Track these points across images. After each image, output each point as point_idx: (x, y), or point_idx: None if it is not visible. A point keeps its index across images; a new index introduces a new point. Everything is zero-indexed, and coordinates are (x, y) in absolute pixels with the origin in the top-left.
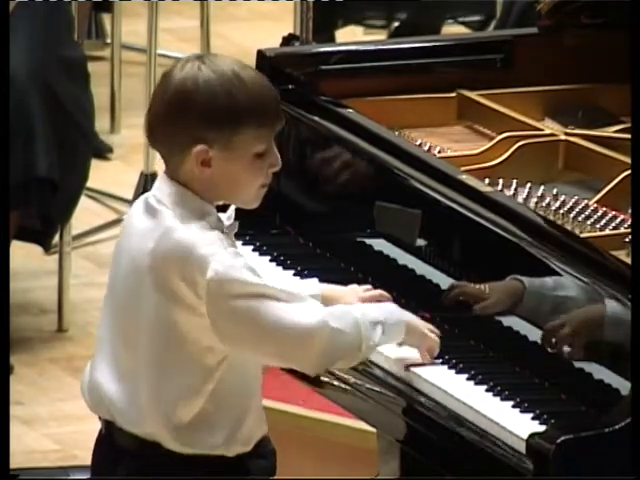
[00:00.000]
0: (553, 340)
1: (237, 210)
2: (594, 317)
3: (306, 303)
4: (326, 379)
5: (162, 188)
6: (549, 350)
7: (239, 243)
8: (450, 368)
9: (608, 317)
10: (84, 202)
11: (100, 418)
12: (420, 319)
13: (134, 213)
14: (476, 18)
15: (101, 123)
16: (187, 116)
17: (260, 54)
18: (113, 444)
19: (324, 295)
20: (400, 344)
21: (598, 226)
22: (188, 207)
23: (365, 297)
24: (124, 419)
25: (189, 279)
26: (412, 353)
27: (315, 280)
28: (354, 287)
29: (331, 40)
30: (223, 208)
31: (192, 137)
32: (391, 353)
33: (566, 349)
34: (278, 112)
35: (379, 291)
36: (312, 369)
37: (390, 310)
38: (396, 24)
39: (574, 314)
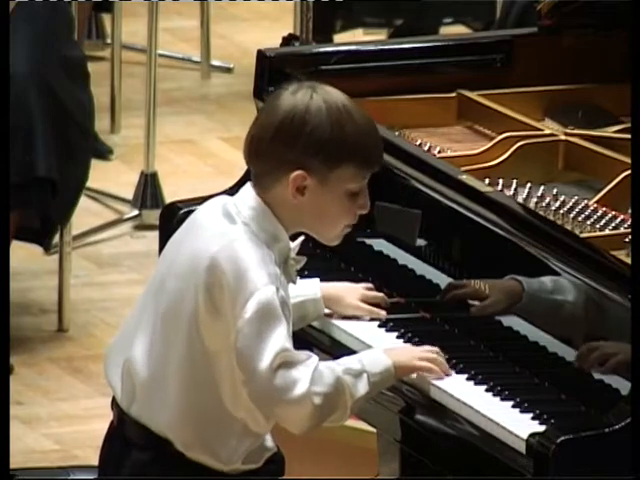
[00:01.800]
0: (586, 360)
1: None
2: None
3: (303, 367)
4: None
5: (245, 200)
6: (578, 365)
7: None
8: (450, 368)
9: None
10: (84, 202)
11: (113, 408)
12: (409, 348)
13: (208, 214)
14: (477, 24)
15: (101, 123)
16: (293, 142)
17: (260, 54)
18: (123, 436)
19: (325, 296)
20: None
21: (598, 226)
22: (263, 227)
23: (366, 297)
24: (144, 407)
25: (233, 295)
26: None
27: (316, 280)
28: (354, 285)
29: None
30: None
31: (293, 163)
32: None
33: (595, 368)
34: (380, 156)
35: (380, 294)
36: (297, 431)
37: (374, 357)
38: (394, 27)
39: (615, 346)
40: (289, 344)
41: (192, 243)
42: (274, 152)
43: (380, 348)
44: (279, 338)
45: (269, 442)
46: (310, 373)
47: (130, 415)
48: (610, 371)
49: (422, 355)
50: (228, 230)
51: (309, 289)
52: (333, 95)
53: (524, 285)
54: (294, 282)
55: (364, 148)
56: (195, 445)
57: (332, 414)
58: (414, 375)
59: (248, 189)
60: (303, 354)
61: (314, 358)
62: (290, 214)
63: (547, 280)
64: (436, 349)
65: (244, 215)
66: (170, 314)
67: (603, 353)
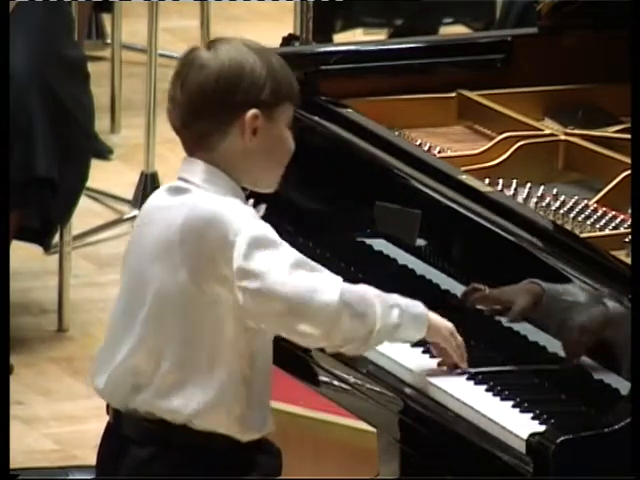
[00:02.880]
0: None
1: None
2: (601, 321)
3: (328, 277)
4: (326, 379)
5: (189, 169)
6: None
7: None
8: (450, 367)
9: (613, 320)
10: (84, 202)
11: (108, 409)
12: (447, 322)
13: (155, 200)
14: (477, 24)
15: (101, 123)
16: (237, 85)
17: None
18: (120, 434)
19: None
20: (421, 344)
21: (598, 226)
22: (219, 185)
23: None
24: (148, 391)
25: (219, 247)
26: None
27: None
28: None
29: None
30: None
31: (241, 107)
32: (410, 363)
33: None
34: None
35: None
36: (322, 343)
37: (415, 303)
38: (394, 27)
39: (582, 323)
40: (303, 256)
41: (154, 229)
42: (219, 103)
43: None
44: (287, 253)
45: (269, 420)
46: (339, 280)
47: (127, 412)
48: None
49: (456, 334)
50: (185, 199)
51: None
52: (248, 40)
53: (544, 288)
54: None
55: (291, 79)
56: (200, 414)
57: (360, 331)
58: (411, 375)
59: (188, 160)
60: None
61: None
62: (240, 165)
63: (558, 285)
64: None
65: (196, 182)
66: (157, 304)
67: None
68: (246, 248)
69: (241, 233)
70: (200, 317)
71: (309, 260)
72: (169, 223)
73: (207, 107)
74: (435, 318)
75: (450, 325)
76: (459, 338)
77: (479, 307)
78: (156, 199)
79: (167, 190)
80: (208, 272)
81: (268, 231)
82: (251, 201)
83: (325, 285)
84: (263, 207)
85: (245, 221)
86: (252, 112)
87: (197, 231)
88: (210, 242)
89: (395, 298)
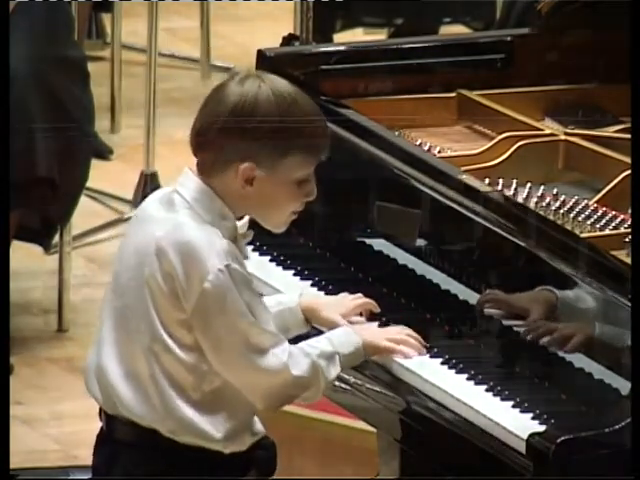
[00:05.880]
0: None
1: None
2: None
3: (276, 346)
4: None
5: (186, 184)
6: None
7: None
8: (450, 368)
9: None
10: (84, 202)
11: (100, 415)
12: (381, 329)
13: (150, 204)
14: (477, 24)
15: (101, 123)
16: (242, 131)
17: (260, 54)
18: (113, 439)
19: (305, 306)
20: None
21: (598, 226)
22: (208, 207)
23: (349, 311)
24: (126, 405)
25: (185, 279)
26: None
27: (297, 293)
28: (341, 298)
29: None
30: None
31: (241, 153)
32: (411, 364)
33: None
34: (326, 143)
35: (365, 300)
36: (265, 407)
37: (345, 337)
38: (394, 27)
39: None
40: (252, 320)
41: (137, 235)
42: (222, 142)
43: (350, 327)
44: (243, 310)
45: (257, 425)
46: (285, 349)
47: (117, 418)
48: (573, 351)
49: (392, 337)
50: (171, 216)
51: (288, 298)
52: (281, 84)
53: (557, 295)
54: (247, 257)
55: (311, 136)
56: (181, 429)
57: (305, 391)
58: (412, 375)
59: (188, 173)
60: (271, 336)
61: (284, 342)
62: (236, 201)
63: (569, 291)
64: (408, 330)
65: (188, 199)
66: (129, 309)
67: (563, 335)
68: (208, 299)
69: (205, 279)
70: (161, 328)
71: (259, 332)
72: (151, 232)
73: (210, 141)
74: (368, 339)
75: (384, 333)
76: (397, 337)
77: (493, 313)
78: (149, 207)
79: (159, 201)
80: (173, 290)
81: (228, 287)
82: (245, 219)
83: (273, 357)
84: (250, 233)
85: (212, 267)
86: (245, 166)
87: (168, 253)
88: (177, 275)
89: (329, 341)
